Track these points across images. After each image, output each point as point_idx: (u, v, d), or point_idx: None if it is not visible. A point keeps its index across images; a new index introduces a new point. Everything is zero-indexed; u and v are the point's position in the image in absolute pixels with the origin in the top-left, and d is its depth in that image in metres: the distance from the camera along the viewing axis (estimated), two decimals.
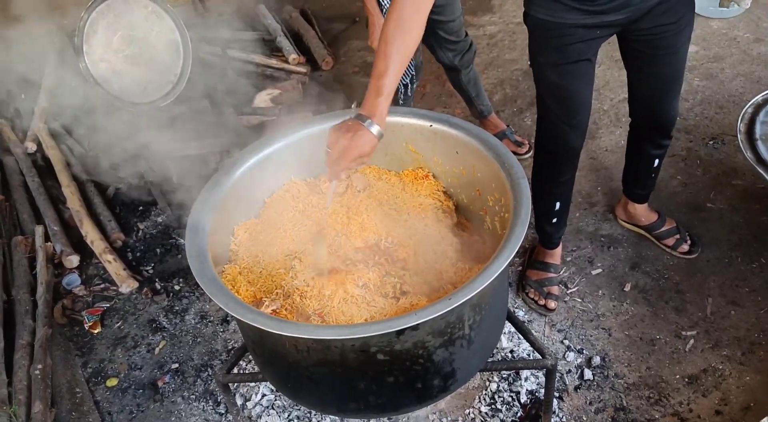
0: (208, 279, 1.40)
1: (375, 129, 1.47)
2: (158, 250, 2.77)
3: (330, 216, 1.74)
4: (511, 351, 2.08)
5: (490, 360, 1.65)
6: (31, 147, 3.32)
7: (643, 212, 2.44)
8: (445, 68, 2.81)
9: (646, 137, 2.14)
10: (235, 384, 2.05)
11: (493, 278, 1.31)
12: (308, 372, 1.45)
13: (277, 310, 1.51)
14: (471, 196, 1.83)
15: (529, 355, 2.08)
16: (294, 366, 1.45)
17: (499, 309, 1.61)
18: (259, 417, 1.97)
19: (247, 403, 2.03)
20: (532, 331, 1.69)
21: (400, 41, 1.44)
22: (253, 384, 2.03)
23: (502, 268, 1.34)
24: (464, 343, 1.46)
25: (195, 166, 3.11)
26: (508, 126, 3.04)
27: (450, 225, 1.83)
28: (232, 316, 1.54)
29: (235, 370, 2.04)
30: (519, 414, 1.93)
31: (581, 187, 2.76)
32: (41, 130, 3.38)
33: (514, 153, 2.95)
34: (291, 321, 1.32)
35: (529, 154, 2.97)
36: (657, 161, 2.20)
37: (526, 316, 2.28)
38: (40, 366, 2.14)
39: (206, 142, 2.70)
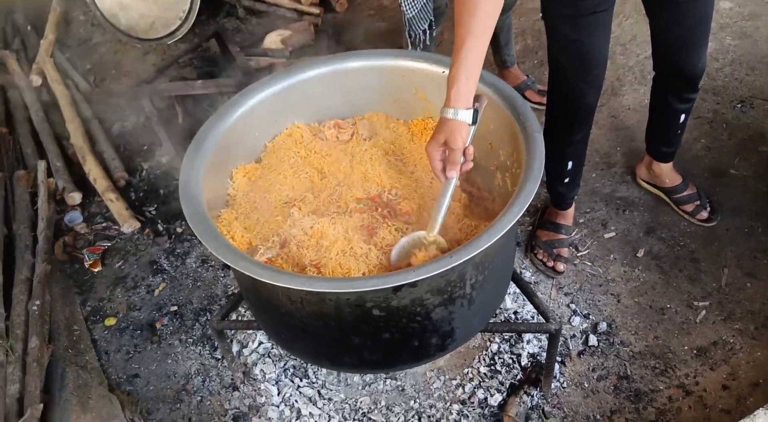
0: (200, 223, 1.34)
1: (451, 113, 1.32)
2: (162, 191, 2.72)
3: (332, 163, 1.66)
4: (515, 313, 2.03)
5: (491, 321, 1.59)
6: (36, 80, 3.24)
7: (667, 172, 2.33)
8: None
9: (670, 90, 2.01)
10: (232, 331, 2.03)
11: (498, 236, 1.24)
12: (301, 324, 1.40)
13: (273, 259, 1.45)
14: (482, 150, 1.73)
15: (533, 318, 2.03)
16: (287, 316, 1.40)
17: (504, 269, 1.55)
18: (255, 364, 1.95)
19: (243, 350, 2.00)
20: (538, 294, 1.63)
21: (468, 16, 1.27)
22: (249, 331, 2.00)
23: (509, 226, 1.26)
24: (465, 303, 1.40)
25: (201, 107, 3.03)
26: (528, 76, 2.91)
27: (459, 180, 1.74)
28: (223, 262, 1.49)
29: (234, 317, 2.01)
30: (519, 377, 1.88)
31: (600, 146, 2.65)
32: (47, 63, 3.29)
33: (539, 104, 2.82)
34: (285, 271, 1.26)
35: None
36: (683, 116, 2.07)
37: (533, 278, 2.21)
38: (38, 302, 2.12)
39: (213, 82, 2.60)
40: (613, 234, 2.35)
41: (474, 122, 1.35)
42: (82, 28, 3.78)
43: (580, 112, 1.90)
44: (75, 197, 2.63)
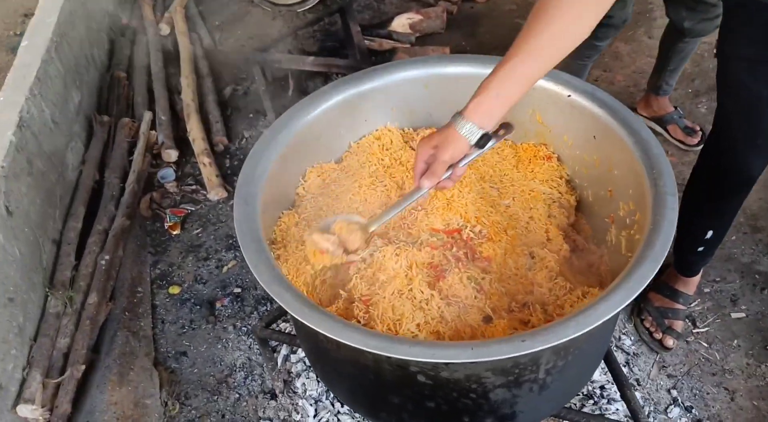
0: (249, 231, 1.18)
1: (458, 122, 1.12)
2: None
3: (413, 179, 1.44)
4: (601, 388, 1.71)
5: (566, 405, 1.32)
6: (165, 29, 3.27)
7: None
8: (671, 22, 2.26)
9: None
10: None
11: (592, 327, 0.97)
12: (337, 365, 1.21)
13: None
14: (600, 196, 1.44)
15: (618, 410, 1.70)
16: (324, 352, 1.22)
17: (594, 353, 1.26)
18: (298, 375, 1.80)
19: (291, 356, 1.86)
20: (632, 384, 1.32)
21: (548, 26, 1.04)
22: None
23: (609, 316, 0.98)
24: (535, 388, 1.14)
25: (315, 83, 2.90)
26: (676, 108, 2.49)
27: (564, 225, 1.47)
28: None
29: (282, 324, 1.87)
30: None
31: (747, 204, 2.21)
32: (178, 13, 3.30)
33: (681, 142, 2.42)
34: (319, 309, 1.07)
35: (700, 146, 2.43)
36: None
37: (633, 347, 1.87)
38: (107, 257, 2.11)
39: (323, 60, 2.46)
40: (742, 314, 1.95)
41: (480, 146, 1.13)
42: None
43: (739, 184, 1.52)
44: (171, 154, 2.61)
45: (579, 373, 1.25)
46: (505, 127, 1.22)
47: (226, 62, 3.19)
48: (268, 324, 1.46)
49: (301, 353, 1.84)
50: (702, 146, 1.63)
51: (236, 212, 1.19)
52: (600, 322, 0.97)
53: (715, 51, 1.42)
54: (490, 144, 1.15)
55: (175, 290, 2.19)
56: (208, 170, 2.52)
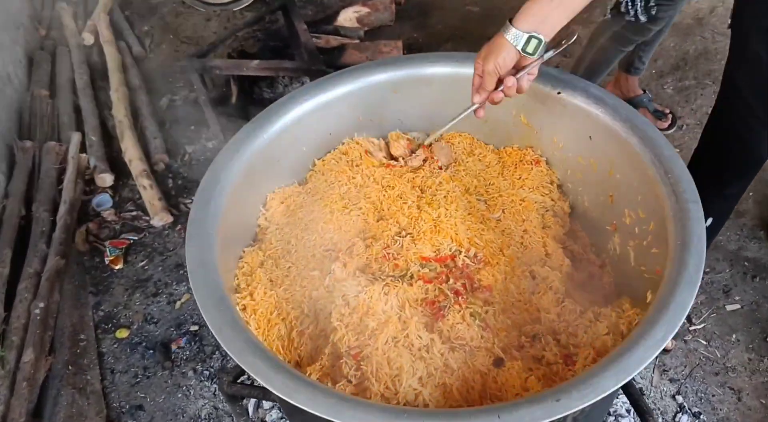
0: (206, 285, 0.97)
1: (505, 29, 1.06)
2: None
3: (394, 200, 1.26)
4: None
5: None
6: (89, 39, 2.97)
7: None
8: None
9: None
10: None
11: (636, 373, 0.81)
12: None
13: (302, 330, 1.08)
14: (598, 201, 1.30)
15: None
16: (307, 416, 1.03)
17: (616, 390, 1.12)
18: None
19: (263, 401, 1.66)
20: (655, 413, 1.18)
21: None
22: None
23: (653, 357, 0.83)
24: None
25: (259, 87, 2.68)
26: (644, 91, 2.40)
27: (560, 235, 1.32)
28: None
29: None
30: None
31: None
32: (102, 20, 3.01)
33: None
34: (308, 384, 0.87)
35: (672, 130, 2.34)
36: None
37: None
38: (42, 305, 1.85)
39: (270, 63, 2.24)
40: (737, 306, 1.86)
41: (531, 53, 1.07)
42: None
43: (747, 163, 1.41)
44: (106, 178, 2.34)
45: (603, 410, 1.11)
46: (566, 36, 1.13)
47: (159, 71, 2.93)
48: (236, 377, 1.26)
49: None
50: (705, 126, 1.50)
51: (189, 261, 0.99)
52: (643, 367, 0.82)
53: (729, 22, 1.29)
54: (549, 53, 1.09)
55: (123, 334, 1.95)
56: (149, 193, 2.27)
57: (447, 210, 1.23)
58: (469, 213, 1.25)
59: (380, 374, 0.97)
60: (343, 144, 1.38)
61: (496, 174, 1.37)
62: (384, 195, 1.28)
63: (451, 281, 1.10)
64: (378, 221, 1.24)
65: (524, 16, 1.04)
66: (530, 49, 1.06)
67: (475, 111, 1.17)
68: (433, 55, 1.35)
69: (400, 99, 1.37)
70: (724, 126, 1.43)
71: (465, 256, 1.15)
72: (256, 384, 1.64)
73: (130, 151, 2.39)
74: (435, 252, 1.16)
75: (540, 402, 0.79)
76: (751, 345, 1.77)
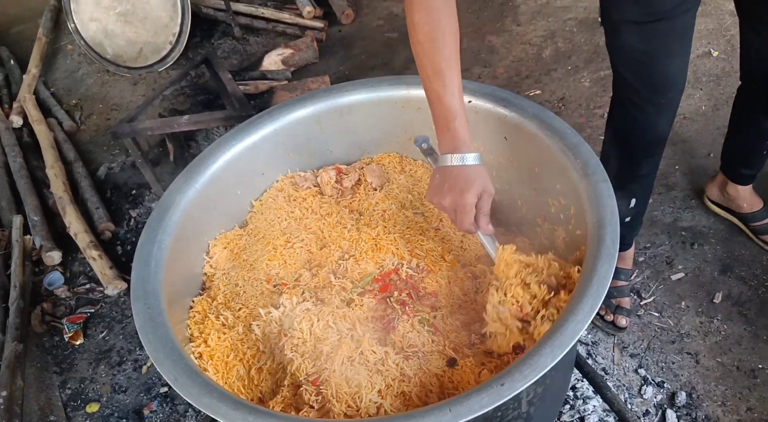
0: (157, 340, 0.99)
1: (469, 159, 1.10)
2: None
3: (333, 227, 1.31)
4: (573, 389, 1.64)
5: None
6: (17, 121, 2.96)
7: (746, 196, 1.92)
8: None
9: (762, 106, 1.60)
10: None
11: (570, 347, 0.87)
12: None
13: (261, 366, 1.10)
14: (526, 197, 1.36)
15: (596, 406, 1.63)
16: None
17: (567, 366, 1.17)
18: None
19: None
20: (610, 386, 1.24)
21: (440, 48, 1.09)
22: None
23: (584, 329, 0.89)
24: None
25: (196, 141, 2.71)
26: None
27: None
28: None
29: None
30: None
31: None
32: (28, 101, 3.00)
33: None
34: (265, 412, 0.90)
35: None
36: None
37: (589, 336, 1.82)
38: (5, 393, 1.80)
39: (200, 117, 2.28)
40: (681, 275, 1.95)
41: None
42: (68, 58, 3.50)
43: (649, 143, 1.51)
44: (54, 256, 2.31)
45: (559, 390, 1.16)
46: None
47: (93, 141, 2.93)
48: None
49: None
50: (608, 115, 1.60)
51: (138, 321, 1.00)
52: (576, 340, 0.88)
53: (599, 19, 1.39)
54: None
55: (93, 408, 1.91)
56: (99, 264, 2.25)
57: (386, 227, 1.29)
58: (407, 228, 1.31)
59: (340, 394, 1.00)
60: (277, 181, 1.42)
61: (427, 186, 1.43)
62: (324, 223, 1.32)
63: (398, 294, 1.14)
64: (321, 249, 1.28)
65: (464, 140, 1.10)
66: None
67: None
68: (349, 84, 1.41)
69: (326, 130, 1.42)
70: (622, 112, 1.53)
71: (408, 268, 1.19)
72: None
73: (74, 225, 2.38)
74: (379, 267, 1.20)
75: (487, 390, 0.84)
76: (700, 310, 1.85)
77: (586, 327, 0.89)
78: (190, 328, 1.14)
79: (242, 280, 1.24)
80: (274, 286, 1.21)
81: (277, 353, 1.10)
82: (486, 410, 0.82)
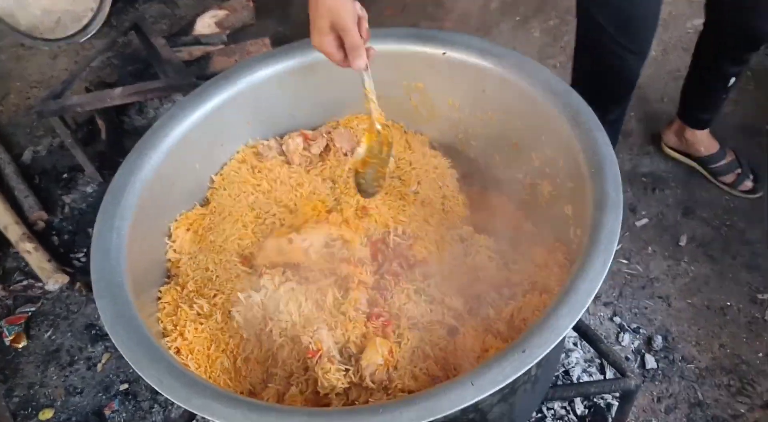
0: (132, 338, 0.88)
1: None
2: (90, 230, 2.19)
3: (307, 198, 1.21)
4: (565, 354, 1.62)
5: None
6: None
7: (703, 139, 1.94)
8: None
9: (724, 49, 1.60)
10: None
11: (583, 311, 0.82)
12: None
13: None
14: (504, 152, 1.30)
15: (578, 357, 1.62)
16: None
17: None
18: None
19: None
20: (602, 337, 1.22)
21: None
22: None
23: (597, 289, 0.84)
24: (528, 387, 0.98)
25: (129, 116, 2.50)
26: None
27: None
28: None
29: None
30: None
31: None
32: None
33: None
34: (266, 406, 0.80)
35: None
36: (733, 80, 1.68)
37: None
38: None
39: (135, 87, 2.08)
40: (645, 220, 1.97)
41: None
42: None
43: (619, 86, 1.47)
44: None
45: (560, 349, 1.12)
46: None
47: (13, 123, 2.66)
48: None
49: None
50: (573, 63, 1.55)
51: (105, 318, 0.89)
52: (592, 297, 0.83)
53: None
54: None
55: (47, 414, 1.76)
56: (35, 257, 2.06)
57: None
58: (386, 193, 1.22)
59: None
60: (238, 152, 1.30)
61: (402, 148, 1.35)
62: (296, 195, 1.22)
63: (387, 265, 1.06)
64: (297, 223, 1.17)
65: None
66: None
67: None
68: (307, 42, 1.28)
69: (287, 93, 1.30)
70: (594, 58, 1.49)
71: (394, 235, 1.11)
72: None
73: (2, 217, 2.16)
74: (366, 237, 1.11)
75: (508, 358, 0.78)
76: (666, 253, 1.88)
77: (600, 284, 0.84)
78: (161, 321, 1.03)
79: (212, 264, 1.13)
80: (251, 267, 1.11)
81: (264, 339, 1.00)
82: (509, 380, 0.76)
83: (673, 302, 1.78)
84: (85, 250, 2.14)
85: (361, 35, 1.00)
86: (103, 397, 1.76)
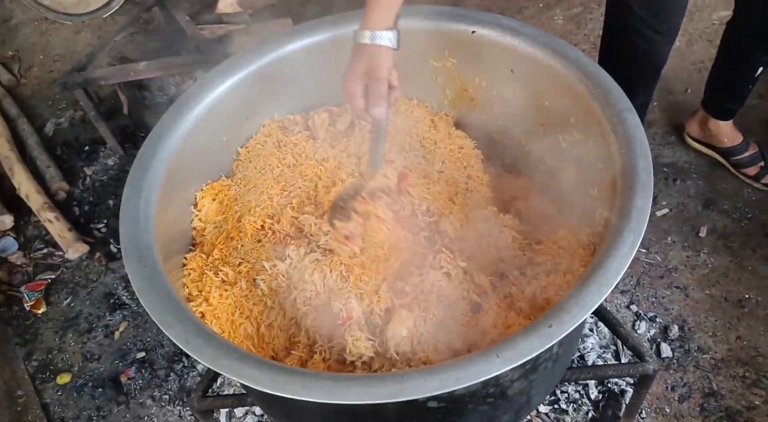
0: (162, 302, 0.89)
1: (368, 37, 1.02)
2: (111, 202, 2.23)
3: (333, 171, 1.21)
4: (583, 338, 1.62)
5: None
6: None
7: (727, 131, 1.92)
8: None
9: (754, 38, 1.58)
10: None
11: (614, 285, 0.82)
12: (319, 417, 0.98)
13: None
14: (530, 133, 1.29)
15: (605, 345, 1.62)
16: (299, 411, 0.97)
17: None
18: None
19: (235, 410, 1.58)
20: (622, 322, 1.22)
21: None
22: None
23: (626, 266, 0.84)
24: (549, 365, 0.99)
25: (151, 92, 2.51)
26: None
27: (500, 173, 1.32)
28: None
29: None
30: (591, 416, 1.50)
31: None
32: None
33: None
34: (292, 370, 0.82)
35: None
36: (761, 69, 1.66)
37: None
38: None
39: (159, 63, 2.10)
40: (666, 210, 1.95)
41: (397, 46, 1.04)
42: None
43: (646, 70, 1.47)
44: (5, 221, 2.13)
45: (580, 330, 1.12)
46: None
47: (37, 96, 2.69)
48: (204, 391, 1.18)
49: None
50: (601, 46, 1.54)
51: (135, 282, 0.90)
52: (621, 275, 0.83)
53: None
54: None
55: (65, 379, 1.79)
56: (56, 226, 2.09)
57: (390, 169, 1.19)
58: (410, 171, 1.22)
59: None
60: (264, 126, 1.31)
61: (427, 127, 1.35)
62: (321, 169, 1.22)
63: (419, 237, 1.07)
64: (326, 195, 1.18)
65: (380, 17, 1.02)
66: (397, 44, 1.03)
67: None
68: (344, 16, 1.28)
69: (317, 68, 1.30)
70: (622, 41, 1.47)
71: (419, 210, 1.12)
72: (227, 393, 1.57)
73: (25, 185, 2.18)
74: (393, 212, 1.12)
75: (535, 332, 0.78)
76: (686, 244, 1.87)
77: (629, 262, 0.84)
78: (187, 287, 1.04)
79: (237, 232, 1.14)
80: (276, 237, 1.12)
81: (288, 307, 1.01)
82: (535, 353, 0.77)
83: (691, 292, 1.77)
84: (105, 221, 2.17)
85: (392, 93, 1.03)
86: (120, 364, 1.79)
